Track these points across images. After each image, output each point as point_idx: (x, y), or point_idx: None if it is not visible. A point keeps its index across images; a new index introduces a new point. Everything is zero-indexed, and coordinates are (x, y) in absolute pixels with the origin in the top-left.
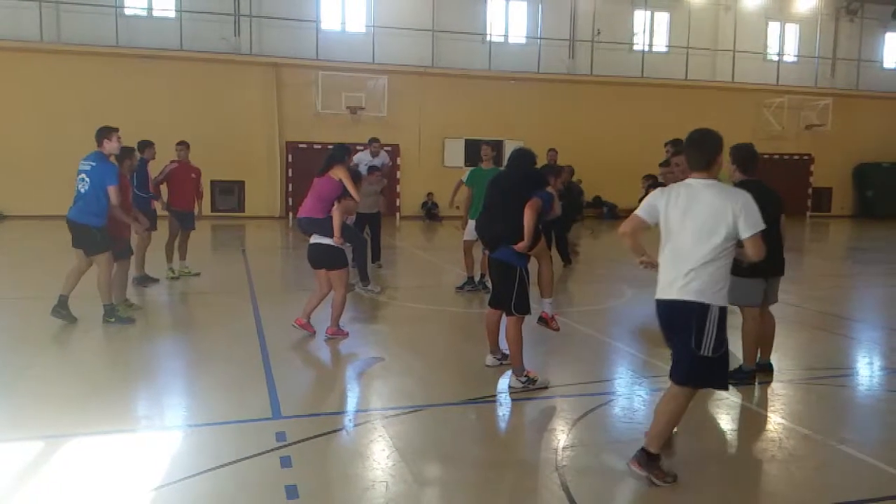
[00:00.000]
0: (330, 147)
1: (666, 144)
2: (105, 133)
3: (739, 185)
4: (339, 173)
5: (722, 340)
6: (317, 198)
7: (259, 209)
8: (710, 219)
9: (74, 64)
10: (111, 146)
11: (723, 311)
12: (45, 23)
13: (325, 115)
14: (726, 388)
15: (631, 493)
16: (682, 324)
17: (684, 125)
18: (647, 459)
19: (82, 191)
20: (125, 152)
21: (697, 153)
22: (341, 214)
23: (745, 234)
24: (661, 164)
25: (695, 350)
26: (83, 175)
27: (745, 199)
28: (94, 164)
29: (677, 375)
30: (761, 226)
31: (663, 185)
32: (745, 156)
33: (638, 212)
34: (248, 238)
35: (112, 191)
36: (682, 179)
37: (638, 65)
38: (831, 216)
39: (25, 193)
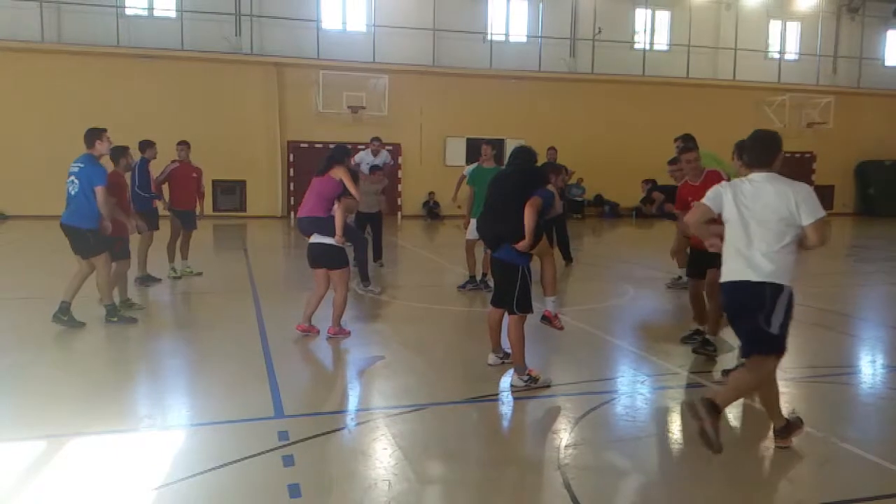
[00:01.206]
0: (331, 146)
1: (676, 140)
2: (96, 134)
3: None
4: (338, 173)
5: (789, 317)
6: (317, 197)
7: (260, 209)
8: (781, 207)
9: (75, 64)
10: (103, 147)
11: (790, 291)
12: (46, 23)
13: (326, 115)
14: (782, 353)
15: (633, 492)
16: (755, 303)
17: (686, 123)
18: (710, 407)
19: (73, 193)
20: (118, 151)
21: (760, 153)
22: (343, 213)
23: (806, 220)
24: (669, 162)
25: (763, 327)
26: (73, 177)
27: (805, 189)
28: (82, 165)
29: (743, 349)
30: (821, 213)
31: (671, 186)
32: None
33: (704, 201)
34: (249, 237)
35: (100, 192)
36: (691, 177)
37: (639, 63)
38: (833, 214)
39: (27, 193)
